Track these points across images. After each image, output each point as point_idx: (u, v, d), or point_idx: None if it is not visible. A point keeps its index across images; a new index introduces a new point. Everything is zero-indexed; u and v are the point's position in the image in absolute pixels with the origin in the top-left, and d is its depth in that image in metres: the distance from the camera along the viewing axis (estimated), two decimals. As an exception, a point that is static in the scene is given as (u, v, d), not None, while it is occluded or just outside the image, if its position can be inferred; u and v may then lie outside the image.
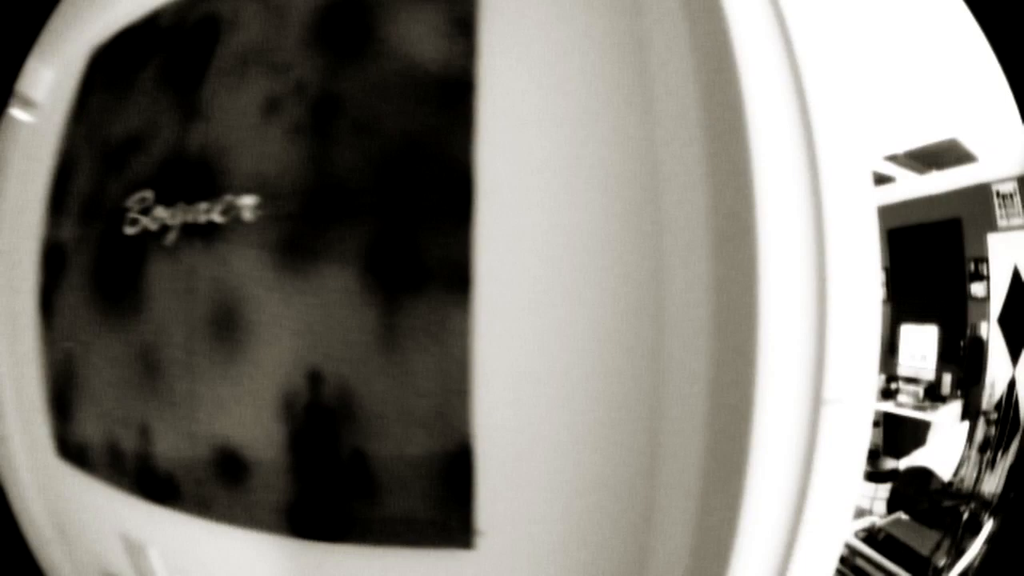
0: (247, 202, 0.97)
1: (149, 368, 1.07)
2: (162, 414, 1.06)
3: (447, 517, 0.85)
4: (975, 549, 1.40)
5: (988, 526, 1.44)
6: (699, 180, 0.72)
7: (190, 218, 1.02)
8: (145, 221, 1.08)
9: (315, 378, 0.92)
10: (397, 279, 0.88)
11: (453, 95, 0.88)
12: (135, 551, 1.13)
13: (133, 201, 1.09)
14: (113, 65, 1.28)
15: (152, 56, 1.19)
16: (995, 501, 1.52)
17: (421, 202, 0.88)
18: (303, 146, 0.96)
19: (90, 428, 1.17)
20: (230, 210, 0.98)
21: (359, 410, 0.89)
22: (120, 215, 1.11)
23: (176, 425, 1.04)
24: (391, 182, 0.90)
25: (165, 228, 1.05)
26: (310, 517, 0.95)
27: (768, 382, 0.65)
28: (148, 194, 1.08)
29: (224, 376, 0.99)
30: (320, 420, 0.92)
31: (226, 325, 0.98)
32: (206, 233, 1.01)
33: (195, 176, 1.04)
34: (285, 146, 0.97)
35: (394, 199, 0.89)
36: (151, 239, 1.07)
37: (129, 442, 1.09)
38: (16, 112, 1.34)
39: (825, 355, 0.67)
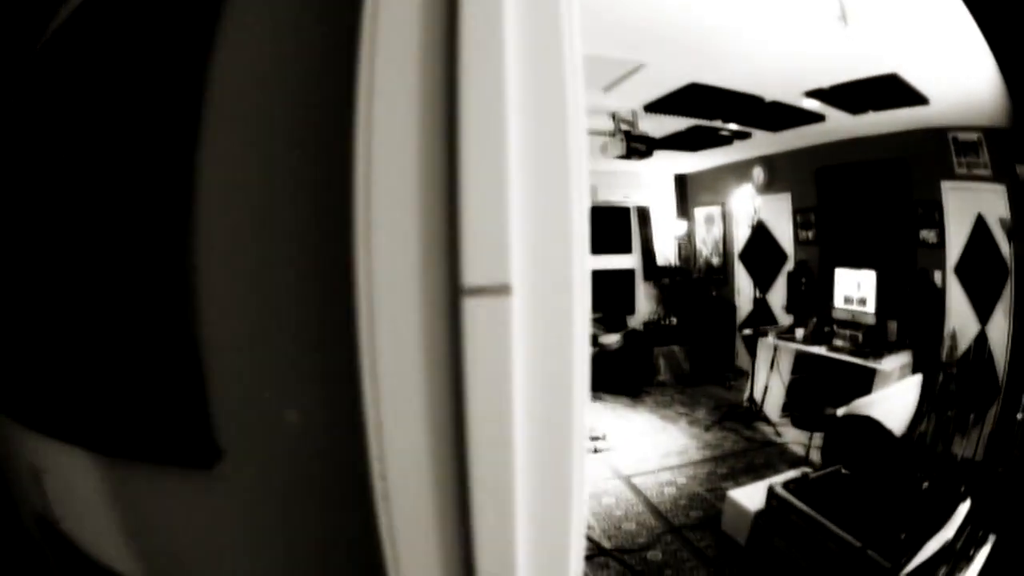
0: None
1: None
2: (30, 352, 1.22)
3: (185, 437, 0.87)
4: (952, 528, 1.19)
5: (968, 502, 1.23)
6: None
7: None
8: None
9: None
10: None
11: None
12: (37, 479, 1.24)
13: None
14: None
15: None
16: (975, 472, 1.32)
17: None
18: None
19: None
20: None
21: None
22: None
23: (39, 357, 1.19)
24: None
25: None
26: (102, 434, 1.03)
27: (381, 268, 0.55)
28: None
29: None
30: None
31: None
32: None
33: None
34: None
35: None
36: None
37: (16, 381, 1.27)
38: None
39: (461, 238, 0.54)
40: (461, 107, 0.53)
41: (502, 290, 0.54)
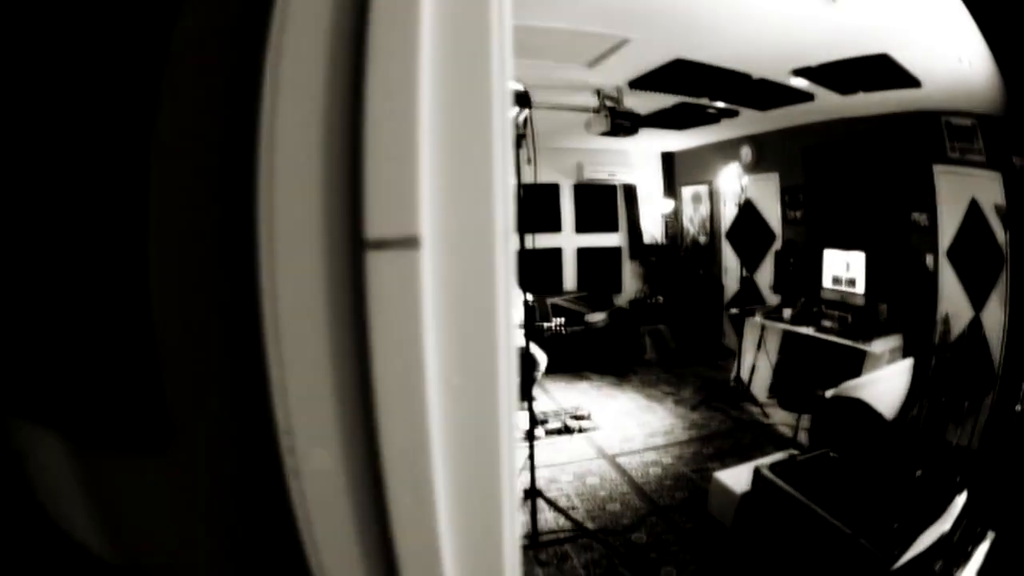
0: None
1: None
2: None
3: (140, 418, 0.84)
4: (949, 521, 1.15)
5: (964, 495, 1.18)
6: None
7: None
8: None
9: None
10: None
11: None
12: (21, 462, 1.16)
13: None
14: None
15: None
16: (970, 463, 1.27)
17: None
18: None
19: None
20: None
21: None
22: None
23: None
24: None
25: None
26: (70, 421, 0.99)
27: (281, 222, 0.51)
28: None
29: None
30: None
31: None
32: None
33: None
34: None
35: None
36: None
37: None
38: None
39: (364, 185, 0.50)
40: (370, 43, 0.48)
41: (409, 243, 0.50)
